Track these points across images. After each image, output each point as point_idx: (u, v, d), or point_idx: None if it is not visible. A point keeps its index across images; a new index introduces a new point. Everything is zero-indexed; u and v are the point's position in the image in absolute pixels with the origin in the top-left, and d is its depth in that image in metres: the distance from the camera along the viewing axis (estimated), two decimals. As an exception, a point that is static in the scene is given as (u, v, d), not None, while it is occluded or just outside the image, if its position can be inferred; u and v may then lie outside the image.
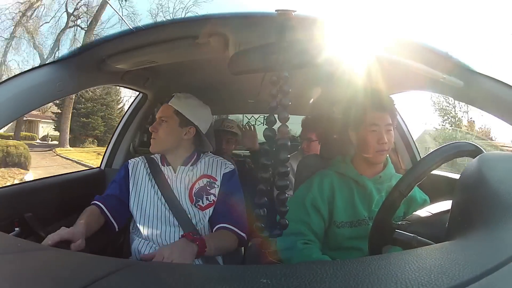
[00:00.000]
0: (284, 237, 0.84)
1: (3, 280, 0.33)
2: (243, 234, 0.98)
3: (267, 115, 0.61)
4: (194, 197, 0.99)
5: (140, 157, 1.08)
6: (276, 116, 0.60)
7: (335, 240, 0.91)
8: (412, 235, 0.57)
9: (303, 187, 0.97)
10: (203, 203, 0.99)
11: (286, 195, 0.61)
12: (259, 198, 0.60)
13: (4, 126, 0.71)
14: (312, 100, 1.67)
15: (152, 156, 1.07)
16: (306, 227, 0.89)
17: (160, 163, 1.04)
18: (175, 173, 1.02)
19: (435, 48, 0.79)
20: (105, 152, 1.47)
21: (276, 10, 0.64)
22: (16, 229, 0.85)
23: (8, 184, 0.98)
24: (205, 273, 0.39)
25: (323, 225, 0.91)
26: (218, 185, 1.01)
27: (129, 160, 1.07)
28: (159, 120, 1.02)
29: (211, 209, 0.99)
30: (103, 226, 0.95)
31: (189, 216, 0.97)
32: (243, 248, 1.16)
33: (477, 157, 0.49)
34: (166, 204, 0.97)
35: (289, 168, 0.65)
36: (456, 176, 0.70)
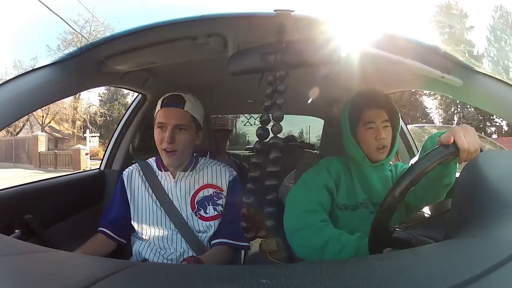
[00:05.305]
0: (299, 215, 0.84)
1: (3, 282, 0.33)
2: (244, 244, 0.98)
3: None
4: (196, 205, 0.97)
5: (134, 164, 1.05)
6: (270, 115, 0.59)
7: (336, 224, 0.90)
8: (412, 234, 0.57)
9: (311, 171, 0.95)
10: (206, 213, 0.97)
11: (275, 195, 0.60)
12: (247, 197, 0.58)
13: (3, 128, 0.71)
14: (310, 100, 1.66)
15: (148, 160, 1.04)
16: (320, 206, 0.87)
17: (156, 168, 1.00)
18: (174, 179, 0.98)
19: (434, 47, 0.79)
20: (105, 153, 1.47)
21: (274, 10, 0.64)
22: (16, 231, 0.85)
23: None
24: (205, 273, 0.39)
25: (330, 206, 0.91)
26: (224, 195, 0.99)
27: (124, 171, 1.04)
28: (176, 128, 0.91)
29: (219, 220, 0.98)
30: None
31: (188, 223, 0.96)
32: None
33: (477, 155, 0.49)
34: (164, 212, 0.96)
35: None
36: (456, 175, 0.69)
